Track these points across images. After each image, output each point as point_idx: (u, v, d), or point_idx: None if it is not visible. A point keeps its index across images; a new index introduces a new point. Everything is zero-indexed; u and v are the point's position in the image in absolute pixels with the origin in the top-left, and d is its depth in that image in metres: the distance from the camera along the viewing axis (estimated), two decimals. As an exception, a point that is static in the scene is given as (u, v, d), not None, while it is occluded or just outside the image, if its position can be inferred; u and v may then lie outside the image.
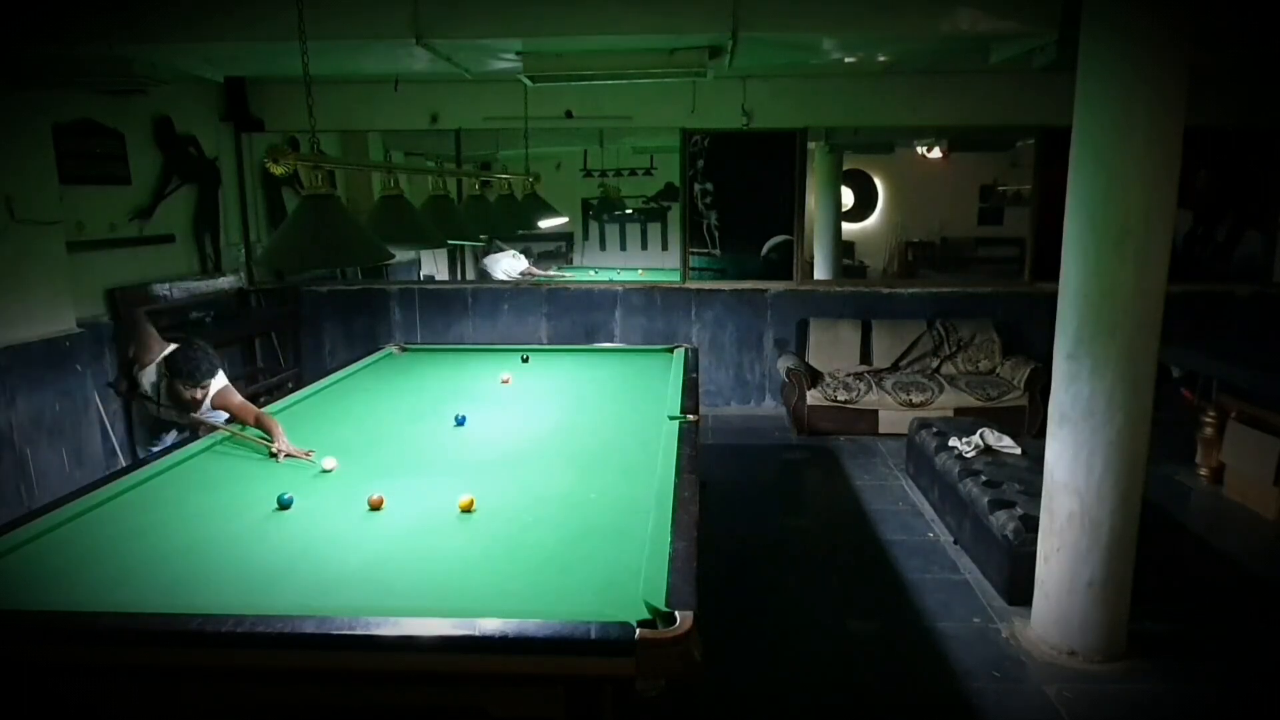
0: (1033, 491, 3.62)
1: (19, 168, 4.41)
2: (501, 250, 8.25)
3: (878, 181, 11.02)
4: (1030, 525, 3.51)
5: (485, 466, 2.89)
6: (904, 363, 6.49)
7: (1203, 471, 5.15)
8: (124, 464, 4.93)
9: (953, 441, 4.61)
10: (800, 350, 6.56)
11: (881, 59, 5.46)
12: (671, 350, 4.75)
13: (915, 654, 3.31)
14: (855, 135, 8.46)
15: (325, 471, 2.81)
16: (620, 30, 3.90)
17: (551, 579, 2.03)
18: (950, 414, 5.78)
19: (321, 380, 4.17)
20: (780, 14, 3.85)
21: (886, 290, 6.94)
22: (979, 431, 4.63)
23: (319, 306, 6.96)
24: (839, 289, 7.06)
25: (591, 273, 9.00)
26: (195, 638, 1.69)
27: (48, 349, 4.57)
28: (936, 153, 9.99)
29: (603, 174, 10.16)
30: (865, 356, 6.52)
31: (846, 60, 5.36)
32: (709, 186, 6.64)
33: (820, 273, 9.10)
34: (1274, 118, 6.23)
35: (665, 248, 10.83)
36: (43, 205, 4.54)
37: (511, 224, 5.45)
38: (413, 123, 6.64)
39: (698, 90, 6.32)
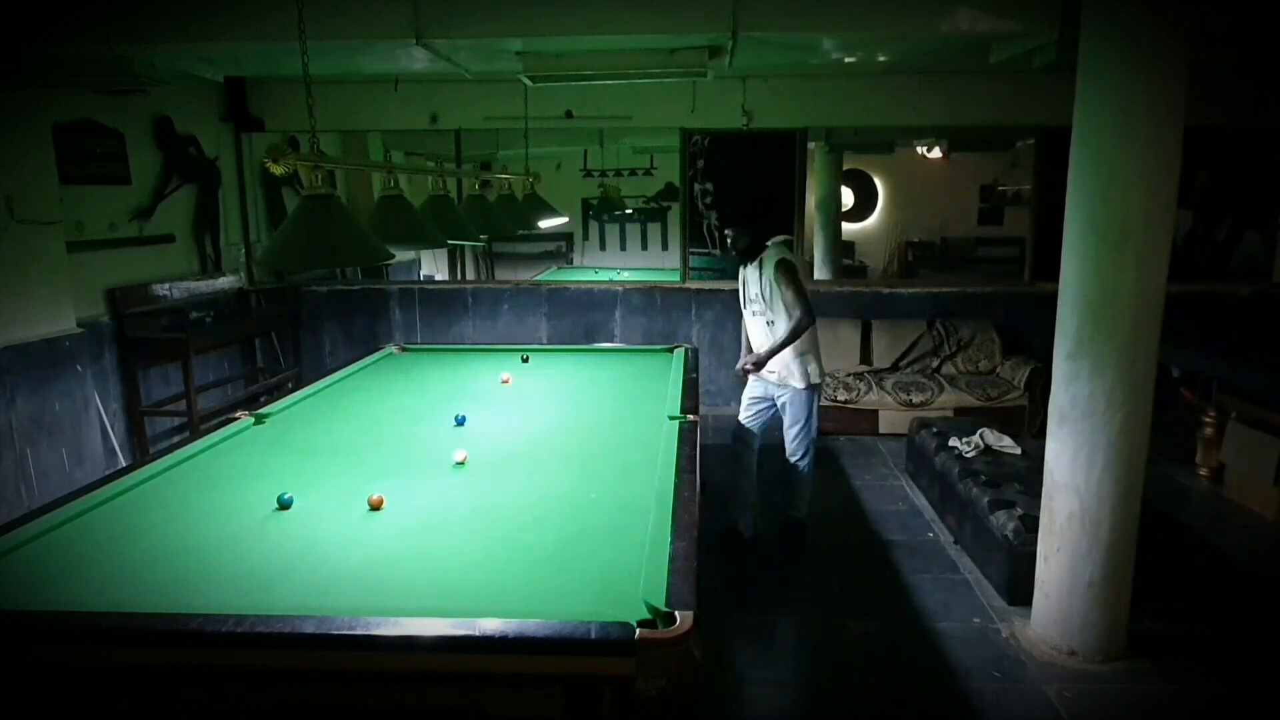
0: (1033, 491, 3.62)
1: (19, 168, 4.40)
2: None
3: (878, 181, 11.02)
4: (1030, 525, 3.51)
5: (485, 466, 2.89)
6: (904, 363, 6.49)
7: (1203, 471, 5.15)
8: (124, 464, 4.94)
9: (953, 441, 4.61)
10: (800, 350, 6.56)
11: (881, 59, 5.46)
12: (671, 350, 4.75)
13: (915, 654, 3.31)
14: (855, 135, 8.45)
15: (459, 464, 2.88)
16: (620, 30, 3.90)
17: (551, 579, 2.03)
18: (950, 414, 5.79)
19: (321, 380, 4.16)
20: (780, 14, 3.84)
21: (886, 290, 6.94)
22: (979, 431, 4.63)
23: (319, 306, 6.96)
24: (839, 289, 7.06)
25: (594, 273, 9.01)
26: (195, 638, 1.69)
27: (48, 349, 4.57)
28: (936, 153, 9.99)
29: (603, 174, 10.16)
30: (865, 356, 6.51)
31: (846, 60, 5.35)
32: (709, 186, 6.64)
33: (820, 273, 9.10)
34: (1274, 118, 6.23)
35: (665, 248, 10.83)
36: (43, 205, 4.53)
37: (511, 224, 5.45)
38: (413, 123, 6.64)
39: (698, 90, 6.32)
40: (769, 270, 3.91)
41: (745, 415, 4.26)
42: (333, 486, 2.67)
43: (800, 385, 3.96)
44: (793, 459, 4.11)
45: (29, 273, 4.48)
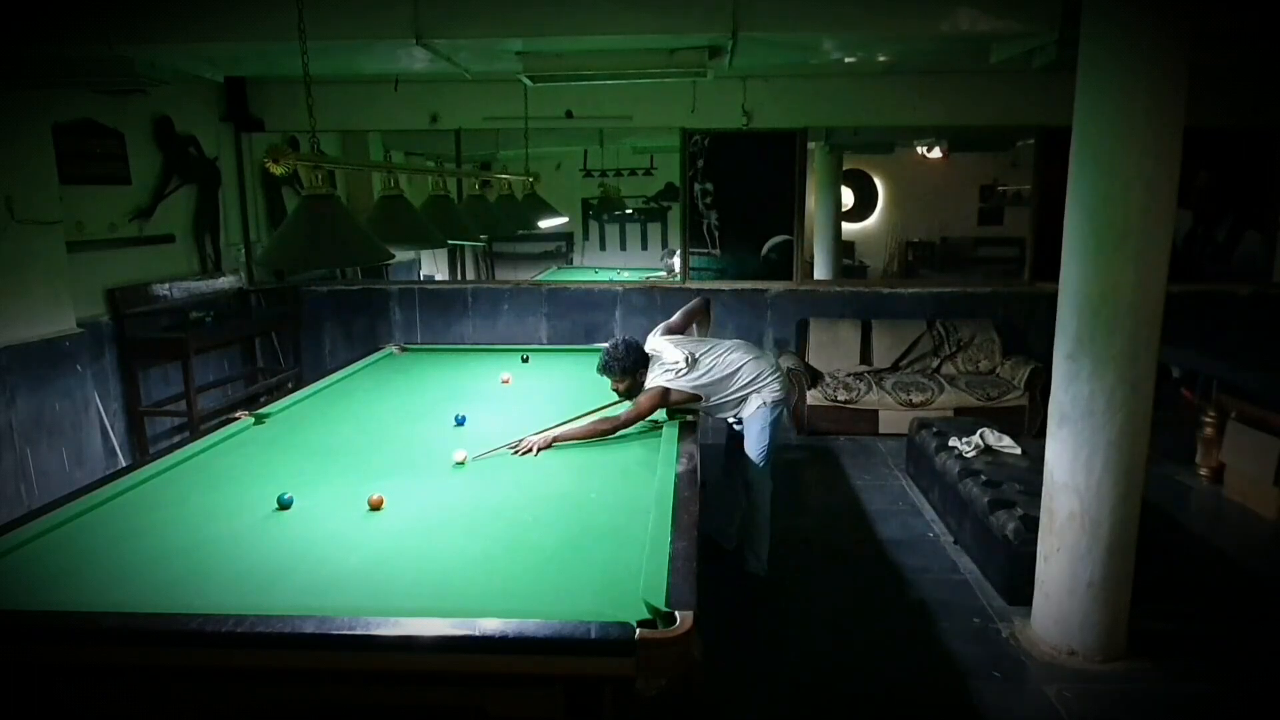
0: (1033, 491, 3.62)
1: (19, 168, 4.40)
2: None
3: (878, 181, 11.02)
4: (1030, 525, 3.51)
5: (485, 466, 2.89)
6: (904, 363, 6.49)
7: (1203, 471, 5.14)
8: (124, 464, 4.94)
9: (953, 441, 4.61)
10: (800, 350, 6.56)
11: (881, 59, 5.46)
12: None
13: (915, 654, 3.31)
14: (855, 135, 8.45)
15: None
16: (620, 30, 3.90)
17: (551, 579, 2.03)
18: (950, 414, 5.78)
19: (321, 380, 4.17)
20: (780, 14, 3.84)
21: (886, 290, 6.94)
22: (979, 431, 4.63)
23: (319, 306, 6.96)
24: (839, 289, 7.06)
25: (595, 273, 9.02)
26: (195, 638, 1.69)
27: (48, 349, 4.57)
28: (936, 153, 9.99)
29: (603, 174, 10.16)
30: (865, 356, 6.51)
31: (846, 60, 5.35)
32: (709, 186, 6.64)
33: (820, 273, 9.10)
34: (1274, 118, 6.23)
35: (665, 247, 10.83)
36: (43, 205, 4.53)
37: (511, 224, 5.45)
38: (413, 123, 6.64)
39: (698, 90, 6.31)
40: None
41: (732, 434, 4.02)
42: (333, 486, 2.67)
43: (750, 411, 3.72)
44: (750, 455, 3.77)
45: (29, 273, 4.48)
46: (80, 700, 1.82)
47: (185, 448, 3.03)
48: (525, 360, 4.64)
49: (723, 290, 6.74)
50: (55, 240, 4.65)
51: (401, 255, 8.47)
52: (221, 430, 3.25)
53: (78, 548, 2.23)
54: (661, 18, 3.86)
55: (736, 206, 6.65)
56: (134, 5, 3.84)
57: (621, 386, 3.54)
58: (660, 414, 3.43)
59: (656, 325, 3.83)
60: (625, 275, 8.29)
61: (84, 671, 1.79)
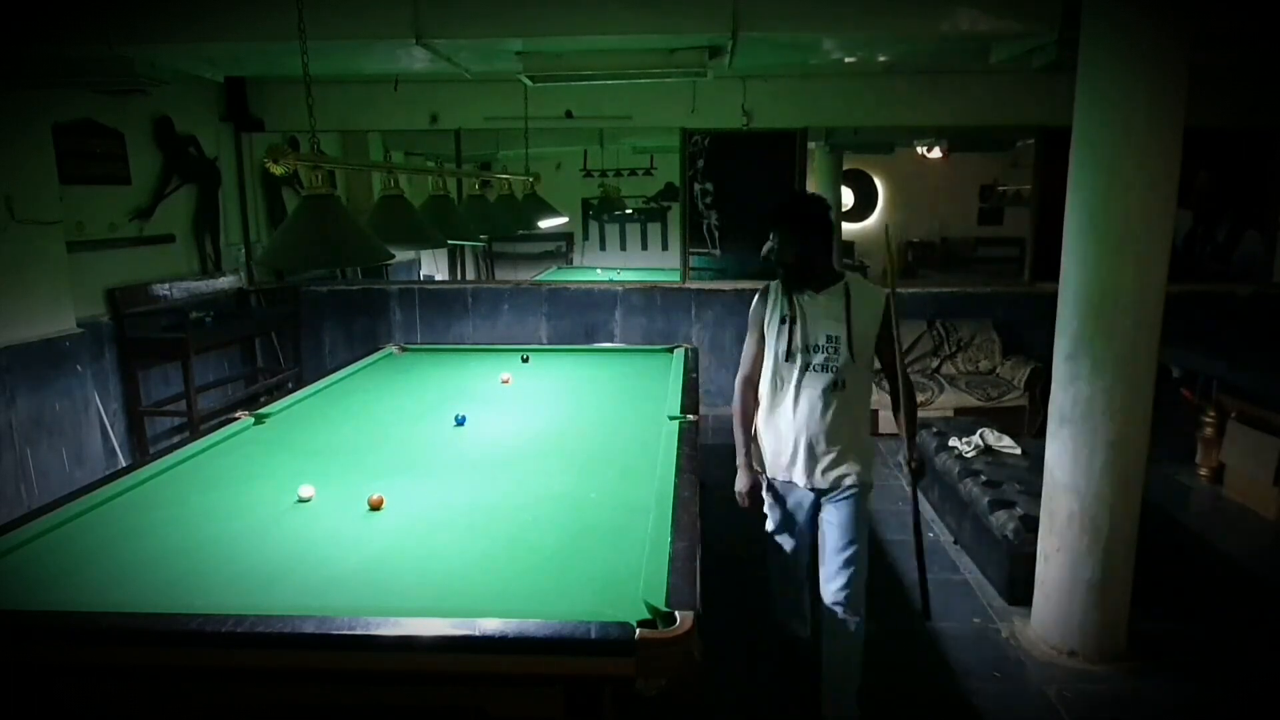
0: (1033, 491, 3.62)
1: (19, 168, 4.40)
2: None
3: (878, 181, 11.02)
4: (1030, 525, 3.51)
5: (485, 466, 2.89)
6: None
7: (1203, 471, 5.15)
8: (124, 464, 4.93)
9: (953, 441, 4.61)
10: (800, 350, 6.55)
11: (881, 59, 5.46)
12: (671, 350, 4.74)
13: (915, 654, 3.31)
14: (855, 135, 8.46)
15: (303, 500, 2.53)
16: (620, 30, 3.90)
17: (551, 579, 2.03)
18: (950, 414, 5.78)
19: (321, 380, 4.16)
20: (780, 14, 3.84)
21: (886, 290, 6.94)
22: (979, 431, 4.63)
23: (319, 306, 6.96)
24: (839, 289, 7.05)
25: (598, 271, 9.03)
26: (195, 638, 1.69)
27: (48, 349, 4.57)
28: (936, 153, 9.99)
29: (603, 174, 10.17)
30: (865, 356, 6.50)
31: (846, 60, 5.36)
32: (709, 186, 6.64)
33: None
34: (1274, 118, 6.23)
35: (665, 247, 10.83)
36: (43, 205, 4.54)
37: (511, 224, 5.45)
38: (413, 123, 6.64)
39: (698, 90, 6.32)
40: (874, 303, 2.62)
41: (782, 537, 2.81)
42: (333, 486, 2.67)
43: (863, 477, 2.65)
44: (841, 606, 2.66)
45: (29, 273, 4.48)
46: (81, 700, 1.82)
47: (185, 448, 3.02)
48: (525, 360, 4.64)
49: (723, 290, 6.74)
50: (55, 240, 4.65)
51: (401, 255, 8.47)
52: (221, 430, 3.24)
53: (78, 548, 2.22)
54: (661, 18, 3.86)
55: (736, 206, 6.66)
56: (134, 5, 3.84)
57: (791, 252, 2.54)
58: (662, 415, 3.42)
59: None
60: (625, 275, 8.29)
61: (84, 671, 1.79)
